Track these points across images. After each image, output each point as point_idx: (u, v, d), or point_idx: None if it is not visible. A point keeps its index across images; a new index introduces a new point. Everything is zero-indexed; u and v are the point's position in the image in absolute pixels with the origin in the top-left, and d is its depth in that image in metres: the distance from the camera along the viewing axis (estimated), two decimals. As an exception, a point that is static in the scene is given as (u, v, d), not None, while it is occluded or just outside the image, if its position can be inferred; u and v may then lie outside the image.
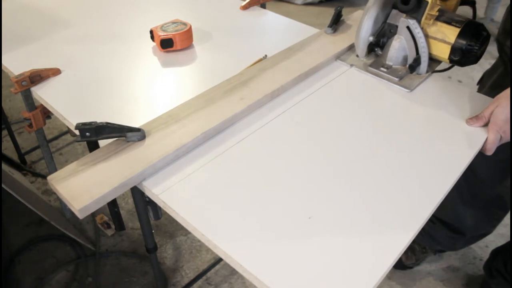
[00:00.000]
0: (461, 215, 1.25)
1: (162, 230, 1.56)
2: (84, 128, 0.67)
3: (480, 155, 0.75)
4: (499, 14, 2.89)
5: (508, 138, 0.76)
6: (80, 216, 0.60)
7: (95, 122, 0.68)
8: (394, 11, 0.91)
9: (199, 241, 0.72)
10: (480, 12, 3.08)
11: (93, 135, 0.68)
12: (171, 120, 0.75)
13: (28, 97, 0.90)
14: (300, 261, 0.55)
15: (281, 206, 0.62)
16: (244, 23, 1.15)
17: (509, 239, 1.26)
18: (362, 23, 0.91)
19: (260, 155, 0.71)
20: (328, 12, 3.11)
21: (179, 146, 0.69)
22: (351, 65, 0.95)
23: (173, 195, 0.64)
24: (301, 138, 0.75)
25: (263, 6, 1.25)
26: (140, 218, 0.82)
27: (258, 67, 0.90)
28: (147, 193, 0.66)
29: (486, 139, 0.76)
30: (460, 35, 0.84)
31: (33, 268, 1.41)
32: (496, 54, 1.05)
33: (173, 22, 1.03)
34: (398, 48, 0.90)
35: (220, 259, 1.45)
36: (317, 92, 0.87)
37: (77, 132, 0.68)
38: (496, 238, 1.50)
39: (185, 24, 1.02)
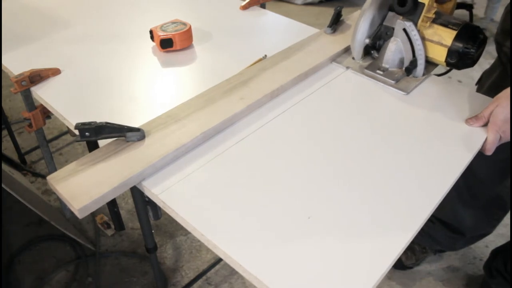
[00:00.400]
0: (460, 215, 1.25)
1: (162, 230, 1.56)
2: (83, 128, 0.67)
3: (480, 155, 0.75)
4: (499, 14, 2.88)
5: (507, 138, 0.76)
6: (80, 216, 0.60)
7: (95, 122, 0.68)
8: (390, 14, 0.91)
9: (199, 241, 0.72)
10: (480, 12, 3.08)
11: (93, 135, 0.68)
12: (171, 120, 0.75)
13: (28, 97, 0.90)
14: (299, 261, 0.55)
15: (280, 206, 0.62)
16: (244, 23, 1.15)
17: (509, 239, 1.26)
18: (358, 26, 0.90)
19: (259, 155, 0.71)
20: (328, 12, 3.11)
21: (178, 146, 0.69)
22: (347, 68, 0.94)
23: (172, 195, 0.64)
24: (301, 138, 0.75)
25: (263, 6, 1.25)
26: (140, 218, 0.82)
27: (258, 67, 0.90)
28: (147, 193, 0.66)
29: (486, 139, 0.76)
30: (456, 38, 0.84)
31: (33, 268, 1.41)
32: (496, 54, 1.05)
33: (173, 22, 1.03)
34: (394, 50, 0.90)
35: (220, 259, 1.45)
36: (314, 94, 0.86)
37: (76, 132, 0.68)
38: (496, 238, 1.50)
39: (184, 24, 1.02)
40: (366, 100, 0.86)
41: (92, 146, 0.74)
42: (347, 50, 0.98)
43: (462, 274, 1.45)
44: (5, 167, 1.52)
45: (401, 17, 0.87)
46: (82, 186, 0.62)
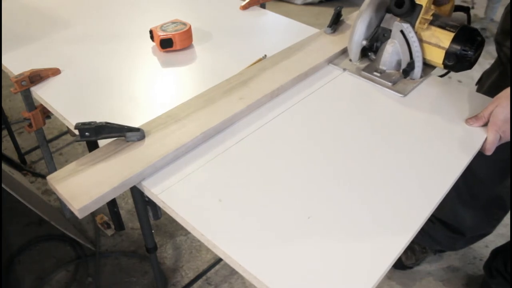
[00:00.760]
0: (460, 216, 1.25)
1: (162, 230, 1.56)
2: (83, 128, 0.67)
3: (480, 155, 0.75)
4: (499, 14, 2.88)
5: (507, 138, 0.76)
6: (80, 215, 0.60)
7: (95, 122, 0.68)
8: (388, 15, 0.90)
9: (199, 241, 0.72)
10: (480, 12, 3.08)
11: (93, 135, 0.68)
12: (171, 120, 0.75)
13: (27, 97, 0.90)
14: (299, 261, 0.55)
15: (280, 206, 0.62)
16: (244, 23, 1.15)
17: (509, 239, 1.26)
18: (355, 27, 0.90)
19: (259, 155, 0.71)
20: (328, 12, 3.11)
21: (178, 146, 0.69)
22: (344, 69, 0.94)
23: (172, 195, 0.64)
24: (301, 138, 0.75)
25: (263, 6, 1.25)
26: (139, 218, 0.82)
27: (258, 67, 0.90)
28: (147, 193, 0.66)
29: (486, 139, 0.76)
30: (454, 40, 0.83)
31: (33, 268, 1.41)
32: (496, 54, 1.05)
33: (173, 22, 1.03)
34: (391, 52, 0.89)
35: (220, 259, 1.45)
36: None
37: (76, 132, 0.68)
38: (496, 238, 1.50)
39: (184, 24, 1.02)
40: (363, 102, 0.86)
41: (92, 146, 0.74)
42: (344, 51, 0.98)
43: (462, 274, 1.45)
44: (5, 167, 1.52)
45: (398, 19, 0.86)
46: (82, 186, 0.62)
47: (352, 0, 3.39)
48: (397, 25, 0.86)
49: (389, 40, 0.89)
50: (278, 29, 1.15)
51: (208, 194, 0.64)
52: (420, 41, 0.86)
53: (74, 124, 0.68)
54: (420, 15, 0.84)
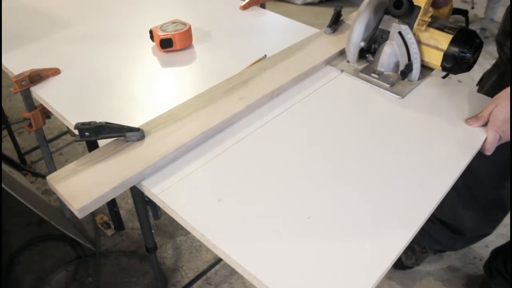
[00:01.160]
0: (460, 216, 1.25)
1: (162, 230, 1.56)
2: (83, 128, 0.67)
3: (480, 155, 0.75)
4: (499, 14, 2.89)
5: (507, 138, 0.76)
6: (79, 215, 0.60)
7: (94, 122, 0.68)
8: (386, 17, 0.90)
9: (199, 241, 0.72)
10: (480, 12, 3.08)
11: (93, 135, 0.68)
12: (171, 120, 0.75)
13: (27, 97, 0.90)
14: (299, 261, 0.55)
15: (280, 206, 0.62)
16: (243, 23, 1.15)
17: (509, 239, 1.26)
18: (353, 28, 0.89)
19: (259, 155, 0.71)
20: (328, 12, 3.11)
21: (178, 146, 0.69)
22: (342, 71, 0.93)
23: (172, 194, 0.64)
24: (301, 138, 0.75)
25: (262, 6, 1.25)
26: (139, 218, 0.82)
27: (258, 67, 0.90)
28: (147, 193, 0.66)
29: (486, 139, 0.76)
30: (452, 42, 0.83)
31: (33, 268, 1.41)
32: (496, 54, 1.05)
33: (173, 22, 1.03)
34: (389, 54, 0.89)
35: (220, 259, 1.45)
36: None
37: (76, 132, 0.68)
38: (496, 238, 1.50)
39: (184, 24, 1.02)
40: (361, 103, 0.85)
41: (92, 146, 0.74)
42: (342, 53, 0.97)
43: (462, 274, 1.45)
44: (5, 167, 1.52)
45: (396, 20, 0.86)
46: (82, 186, 0.62)
47: (352, 0, 3.39)
48: (395, 27, 0.86)
49: (387, 42, 0.89)
50: (278, 29, 1.15)
51: (208, 194, 0.64)
52: (419, 42, 0.86)
53: (74, 124, 0.68)
54: (419, 17, 0.84)
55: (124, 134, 0.70)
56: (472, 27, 2.90)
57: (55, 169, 0.69)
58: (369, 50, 0.93)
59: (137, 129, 0.71)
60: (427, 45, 0.86)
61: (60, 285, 1.37)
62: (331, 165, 0.70)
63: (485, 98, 0.86)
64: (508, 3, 0.98)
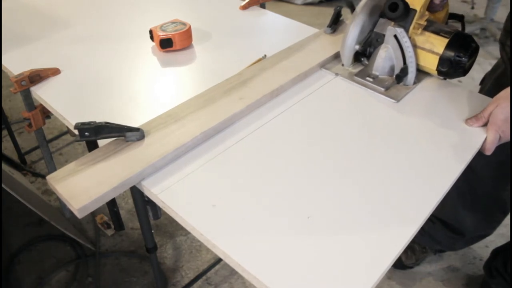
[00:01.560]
0: (461, 216, 1.25)
1: (162, 230, 1.56)
2: (83, 128, 0.67)
3: (480, 156, 0.75)
4: (499, 14, 2.89)
5: (507, 138, 0.76)
6: (79, 215, 0.60)
7: (94, 122, 0.68)
8: (381, 20, 0.89)
9: (199, 241, 0.72)
10: (480, 12, 3.08)
11: (92, 135, 0.68)
12: (171, 120, 0.75)
13: (27, 97, 0.90)
14: (299, 260, 0.55)
15: (280, 206, 0.62)
16: (243, 23, 1.15)
17: (509, 239, 1.26)
18: (348, 32, 0.88)
19: (259, 155, 0.71)
20: (328, 12, 3.11)
21: (178, 145, 0.69)
22: (336, 74, 0.92)
23: (172, 194, 0.64)
24: (301, 138, 0.75)
25: (262, 6, 1.25)
26: (139, 218, 0.82)
27: (258, 67, 0.90)
28: (146, 193, 0.66)
29: (485, 139, 0.76)
30: (448, 46, 0.82)
31: (33, 268, 1.41)
32: (496, 54, 1.05)
33: (173, 22, 1.03)
34: (384, 57, 0.87)
35: (220, 259, 1.45)
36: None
37: (76, 132, 0.68)
38: (496, 238, 1.50)
39: (184, 24, 1.02)
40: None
41: (92, 146, 0.74)
42: (337, 56, 0.96)
43: (462, 274, 1.44)
44: (5, 167, 1.52)
45: (392, 23, 0.85)
46: (82, 186, 0.62)
47: (352, 0, 3.39)
48: (390, 30, 0.85)
49: (383, 45, 0.88)
50: (278, 29, 1.15)
51: (207, 193, 0.64)
52: (414, 46, 0.85)
53: (74, 124, 0.68)
54: (414, 20, 0.83)
55: (124, 134, 0.70)
56: (472, 27, 2.90)
57: (55, 169, 0.69)
58: (364, 53, 0.92)
59: (137, 129, 0.71)
60: (423, 48, 0.85)
61: (60, 285, 1.37)
62: (331, 165, 0.70)
63: (483, 98, 0.86)
64: (508, 2, 0.98)
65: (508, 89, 0.76)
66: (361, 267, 0.54)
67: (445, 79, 0.91)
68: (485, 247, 1.51)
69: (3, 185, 1.24)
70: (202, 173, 0.68)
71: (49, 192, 1.68)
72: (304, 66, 0.90)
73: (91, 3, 1.24)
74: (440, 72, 0.86)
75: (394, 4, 0.80)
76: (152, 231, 0.93)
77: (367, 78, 0.89)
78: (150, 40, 1.02)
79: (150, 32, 1.01)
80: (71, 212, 0.61)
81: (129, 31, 1.09)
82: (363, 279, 0.53)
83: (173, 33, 0.98)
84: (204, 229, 0.58)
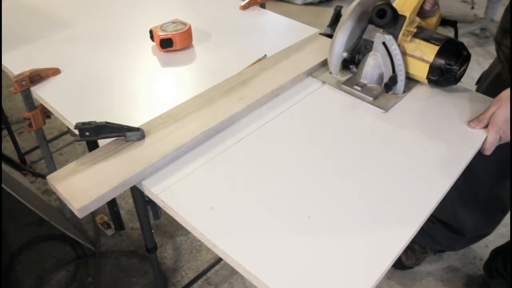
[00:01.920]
0: (460, 216, 1.25)
1: (162, 230, 1.56)
2: (83, 127, 0.67)
3: (479, 156, 0.75)
4: (499, 14, 2.88)
5: (507, 139, 0.76)
6: (80, 215, 0.60)
7: (95, 122, 0.68)
8: (370, 26, 0.85)
9: (199, 241, 0.72)
10: (480, 12, 3.08)
11: (93, 135, 0.68)
12: (171, 120, 0.75)
13: (27, 96, 0.90)
14: (299, 260, 0.55)
15: (280, 205, 0.62)
16: (243, 23, 1.15)
17: (509, 239, 1.26)
18: (336, 38, 0.85)
19: (259, 155, 0.71)
20: (328, 12, 3.12)
21: (178, 145, 0.69)
22: (323, 82, 0.89)
23: (172, 194, 0.64)
24: (301, 137, 0.75)
25: (262, 6, 1.25)
26: (139, 218, 0.83)
27: (258, 67, 0.91)
28: (147, 193, 0.66)
29: (486, 139, 0.76)
30: (439, 54, 0.80)
31: (33, 268, 1.41)
32: (496, 54, 1.05)
33: (173, 22, 1.03)
34: (373, 65, 0.84)
35: (220, 259, 1.45)
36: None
37: (76, 131, 0.68)
38: (496, 238, 1.50)
39: (184, 24, 1.02)
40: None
41: (92, 145, 0.74)
42: (324, 64, 0.93)
43: (462, 274, 1.45)
44: (5, 167, 1.52)
45: (381, 30, 0.82)
46: (82, 186, 0.62)
47: (352, 0, 3.39)
48: (379, 37, 0.82)
49: (371, 53, 0.84)
50: (278, 29, 1.15)
51: (208, 193, 0.64)
52: (404, 54, 0.83)
53: (74, 124, 0.68)
54: (404, 27, 0.81)
55: (124, 134, 0.70)
56: (472, 27, 2.90)
57: (55, 169, 0.69)
58: (352, 61, 0.88)
59: (137, 129, 0.71)
60: (413, 56, 0.82)
61: (60, 285, 1.37)
62: (331, 165, 0.70)
63: (482, 98, 0.86)
64: (507, 2, 0.98)
65: (508, 90, 0.76)
66: (361, 267, 0.54)
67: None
68: (485, 247, 1.51)
69: (3, 185, 1.24)
70: (202, 173, 0.68)
71: (49, 192, 1.68)
72: (304, 66, 0.90)
73: (91, 3, 1.24)
74: (430, 81, 0.83)
75: (382, 11, 0.77)
76: (152, 231, 0.93)
77: (355, 87, 0.86)
78: (150, 40, 1.02)
79: (150, 32, 1.01)
80: (71, 212, 0.61)
81: (129, 31, 1.09)
82: (363, 279, 0.53)
83: (173, 33, 0.98)
84: (204, 229, 0.58)
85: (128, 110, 0.82)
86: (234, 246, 0.56)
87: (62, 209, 1.53)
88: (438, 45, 0.80)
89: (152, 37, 1.01)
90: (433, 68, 0.81)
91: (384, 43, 0.82)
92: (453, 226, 1.29)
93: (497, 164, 1.06)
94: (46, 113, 0.97)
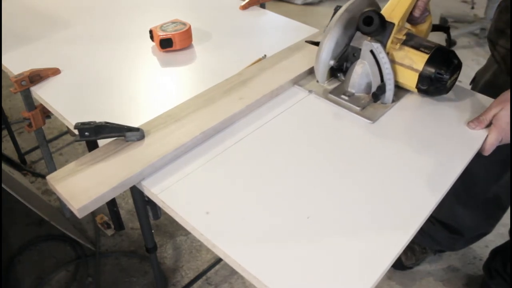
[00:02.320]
0: (459, 216, 1.25)
1: (162, 230, 1.56)
2: (83, 127, 0.67)
3: (477, 156, 0.75)
4: (499, 14, 2.88)
5: (508, 140, 0.76)
6: (79, 215, 0.60)
7: (94, 122, 0.68)
8: (358, 33, 0.82)
9: (199, 241, 0.72)
10: (480, 12, 3.08)
11: (92, 135, 0.68)
12: (170, 120, 0.75)
13: (27, 96, 0.90)
14: (299, 260, 0.55)
15: (279, 206, 0.62)
16: (243, 23, 1.15)
17: (508, 239, 1.26)
18: (322, 46, 0.82)
19: (259, 155, 0.71)
20: (328, 12, 3.11)
21: (178, 145, 0.69)
22: (310, 91, 0.86)
23: (172, 194, 0.64)
24: (300, 138, 0.75)
25: (262, 6, 1.25)
26: (139, 218, 0.83)
27: (258, 67, 0.91)
28: (146, 193, 0.66)
29: (486, 140, 0.76)
30: (428, 62, 0.77)
31: (33, 268, 1.41)
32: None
33: (173, 22, 1.03)
34: (361, 74, 0.81)
35: (220, 259, 1.45)
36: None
37: (76, 131, 0.68)
38: (496, 238, 1.50)
39: (184, 24, 1.02)
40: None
41: (92, 146, 0.74)
42: (311, 72, 0.90)
43: (462, 274, 1.45)
44: (5, 167, 1.52)
45: (368, 38, 0.79)
46: (82, 186, 0.62)
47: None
48: (366, 45, 0.79)
49: (359, 61, 0.82)
50: (278, 29, 1.15)
51: (207, 193, 0.64)
52: (392, 62, 0.80)
53: (74, 124, 0.68)
54: (392, 34, 0.78)
55: (124, 134, 0.70)
56: (472, 27, 2.90)
57: (55, 169, 0.69)
58: (340, 69, 0.86)
59: (137, 129, 0.71)
60: (402, 65, 0.80)
61: (60, 285, 1.37)
62: (330, 165, 0.70)
63: (476, 101, 0.84)
64: (502, 1, 0.98)
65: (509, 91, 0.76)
66: (361, 267, 0.54)
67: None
68: (485, 247, 1.51)
69: (3, 185, 1.24)
70: (202, 173, 0.68)
71: (49, 192, 1.68)
72: (304, 66, 0.90)
73: (91, 3, 1.24)
74: (420, 90, 0.81)
75: (368, 18, 0.74)
76: (152, 231, 0.93)
77: (342, 96, 0.83)
78: (150, 40, 1.02)
79: (150, 32, 1.01)
80: (71, 212, 0.61)
81: (129, 31, 1.09)
82: (363, 279, 0.53)
83: (173, 33, 0.98)
84: (204, 229, 0.58)
85: (127, 110, 0.82)
86: (234, 246, 0.56)
87: (62, 209, 1.53)
88: (428, 53, 0.77)
89: (152, 37, 1.01)
90: (422, 77, 0.78)
91: (372, 51, 0.79)
92: (452, 226, 1.29)
93: (494, 164, 1.06)
94: (46, 113, 0.97)
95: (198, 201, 0.63)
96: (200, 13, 1.20)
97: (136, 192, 0.71)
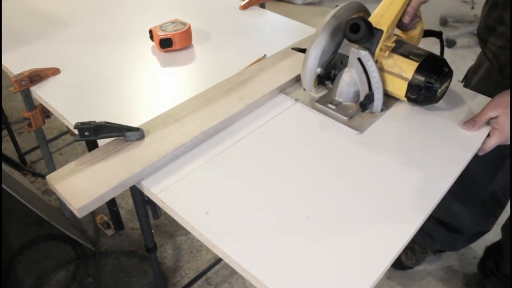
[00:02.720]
0: (458, 214, 1.25)
1: (162, 230, 1.56)
2: (83, 127, 0.67)
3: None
4: (499, 14, 2.88)
5: (507, 142, 0.76)
6: (79, 215, 0.60)
7: (94, 122, 0.68)
8: (346, 41, 0.79)
9: (199, 241, 0.72)
10: (479, 12, 3.08)
11: (92, 135, 0.68)
12: (170, 120, 0.75)
13: (27, 96, 0.90)
14: (298, 260, 0.55)
15: (279, 206, 0.62)
16: (243, 23, 1.15)
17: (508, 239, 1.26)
18: (309, 53, 0.79)
19: (258, 155, 0.71)
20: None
21: (178, 145, 0.69)
22: (296, 100, 0.83)
23: (172, 194, 0.64)
24: (300, 138, 0.75)
25: (262, 6, 1.25)
26: (139, 218, 0.83)
27: (257, 67, 0.91)
28: (146, 193, 0.66)
29: (486, 142, 0.75)
30: (418, 70, 0.74)
31: (33, 268, 1.41)
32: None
33: (172, 22, 1.03)
34: (348, 82, 0.78)
35: (220, 259, 1.45)
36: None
37: (76, 131, 0.68)
38: (495, 238, 1.49)
39: (184, 23, 1.02)
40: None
41: (92, 145, 0.74)
42: (298, 79, 0.87)
43: (462, 274, 1.45)
44: (5, 167, 1.52)
45: (356, 45, 0.76)
46: (82, 186, 0.62)
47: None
48: (354, 52, 0.76)
49: (346, 69, 0.79)
50: (277, 29, 1.15)
51: (207, 193, 0.64)
52: (381, 70, 0.77)
53: (74, 123, 0.68)
54: (381, 42, 0.75)
55: (123, 133, 0.70)
56: (472, 27, 2.89)
57: (55, 169, 0.69)
58: (328, 76, 0.83)
59: (136, 129, 0.71)
60: (390, 73, 0.77)
61: (60, 285, 1.37)
62: (331, 164, 0.70)
63: (469, 99, 0.84)
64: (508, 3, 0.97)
65: (505, 95, 0.75)
66: (361, 267, 0.54)
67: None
68: (484, 247, 1.51)
69: (3, 185, 1.24)
70: (202, 173, 0.68)
71: (49, 192, 1.68)
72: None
73: (91, 3, 1.24)
74: (410, 99, 0.78)
75: (355, 25, 0.72)
76: (152, 231, 0.93)
77: (329, 105, 0.80)
78: (150, 40, 1.02)
79: (150, 32, 1.01)
80: (71, 212, 0.61)
81: (129, 31, 1.09)
82: (363, 279, 0.53)
83: (173, 33, 0.98)
84: (203, 228, 0.58)
85: (127, 110, 0.82)
86: (234, 246, 0.56)
87: (62, 209, 1.53)
88: (418, 61, 0.75)
89: (151, 37, 1.01)
90: (412, 86, 0.75)
91: (359, 59, 0.76)
92: (451, 225, 1.30)
93: (490, 161, 1.06)
94: (46, 113, 0.97)
95: (198, 201, 0.63)
96: (200, 13, 1.20)
97: (136, 192, 0.71)
